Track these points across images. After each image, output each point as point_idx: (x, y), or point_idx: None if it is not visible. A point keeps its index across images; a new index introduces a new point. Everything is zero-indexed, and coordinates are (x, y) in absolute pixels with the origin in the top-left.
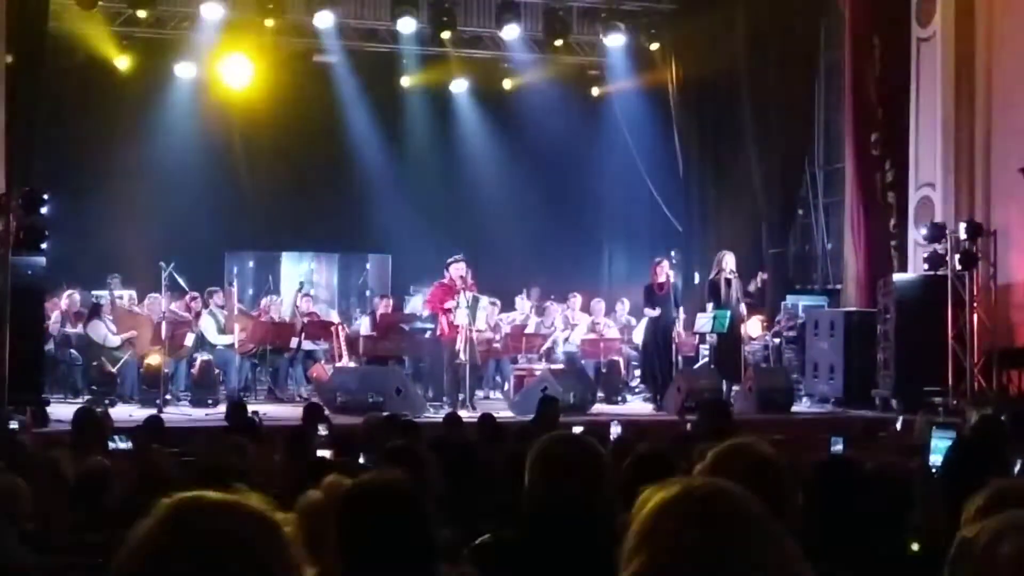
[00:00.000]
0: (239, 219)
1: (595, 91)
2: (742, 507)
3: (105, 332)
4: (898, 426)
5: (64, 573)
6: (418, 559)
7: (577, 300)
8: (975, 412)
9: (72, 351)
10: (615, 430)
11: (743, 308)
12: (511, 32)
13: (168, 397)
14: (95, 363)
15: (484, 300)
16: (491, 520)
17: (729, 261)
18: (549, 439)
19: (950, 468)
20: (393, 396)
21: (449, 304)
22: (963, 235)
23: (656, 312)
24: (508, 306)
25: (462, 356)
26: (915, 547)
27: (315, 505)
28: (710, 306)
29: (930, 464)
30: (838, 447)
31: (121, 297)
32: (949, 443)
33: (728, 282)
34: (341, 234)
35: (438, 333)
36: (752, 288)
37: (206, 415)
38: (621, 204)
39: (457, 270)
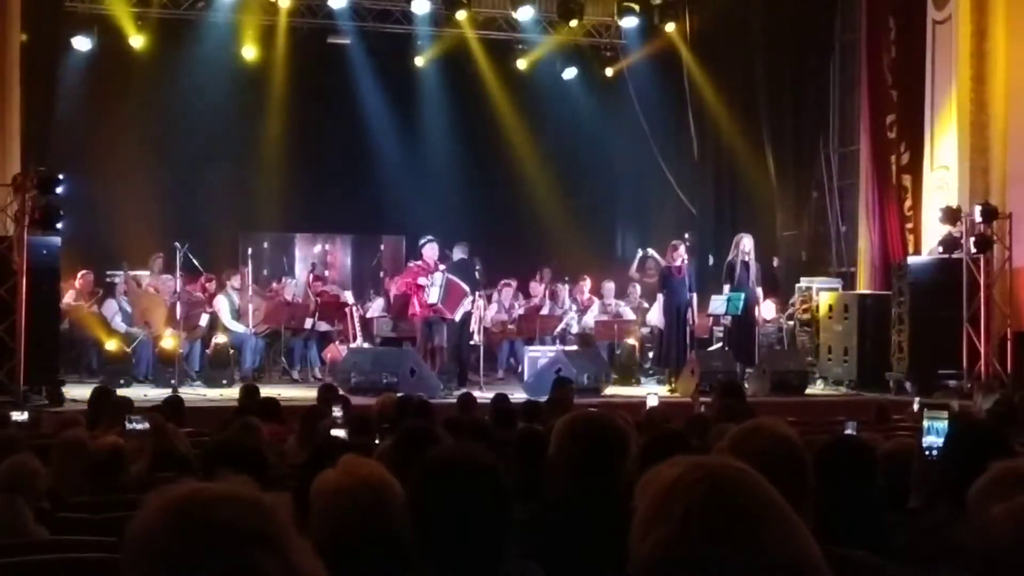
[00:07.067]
0: (254, 200)
1: (609, 72)
2: (752, 485)
3: (115, 312)
4: (915, 408)
5: (80, 551)
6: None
7: (587, 283)
8: (985, 396)
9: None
10: (651, 402)
11: (759, 291)
12: (525, 13)
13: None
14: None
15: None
16: None
17: (746, 243)
18: (573, 417)
19: (949, 451)
20: (407, 377)
21: (423, 281)
22: (978, 218)
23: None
24: (522, 287)
25: (476, 338)
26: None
27: (331, 484)
28: (726, 288)
29: (924, 446)
30: (851, 431)
31: (136, 277)
32: (941, 425)
33: (745, 264)
34: (355, 215)
35: (410, 314)
36: (777, 265)
37: (220, 395)
38: (635, 186)
39: (429, 252)
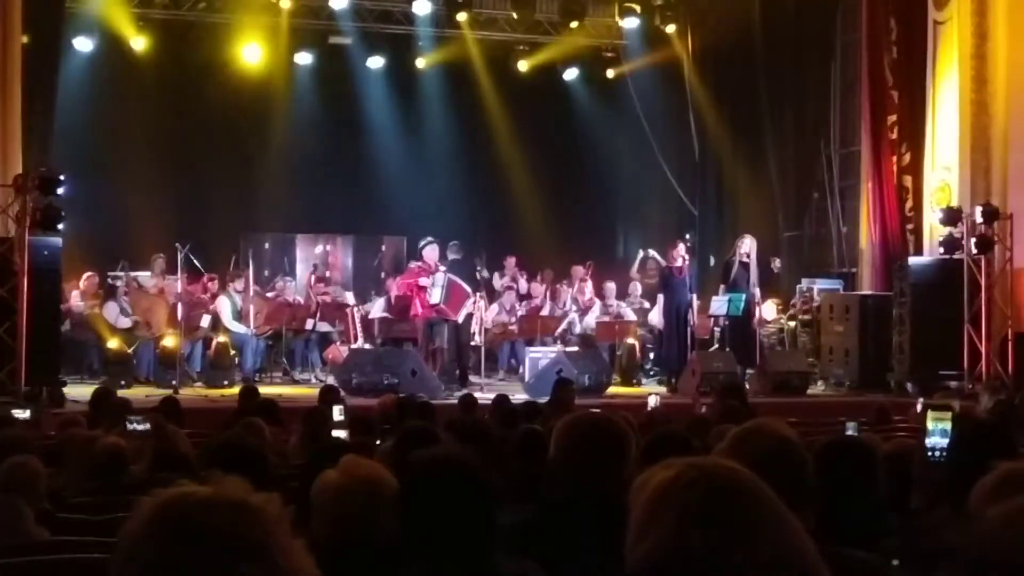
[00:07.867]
0: (255, 201)
1: (610, 73)
2: (747, 486)
3: (117, 313)
4: (918, 408)
5: (81, 551)
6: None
7: (588, 283)
8: (989, 396)
9: (90, 333)
10: (652, 403)
11: (757, 292)
12: (527, 14)
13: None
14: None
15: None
16: (506, 501)
17: (746, 244)
18: (573, 418)
19: (954, 452)
20: (408, 378)
21: (424, 282)
22: (979, 218)
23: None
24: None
25: (477, 339)
26: (895, 562)
27: (332, 485)
28: (721, 288)
29: (928, 446)
30: (851, 432)
31: (136, 278)
32: (945, 426)
33: (744, 265)
34: (356, 216)
35: (411, 314)
36: (775, 268)
37: (222, 396)
38: (636, 187)
39: (429, 253)
